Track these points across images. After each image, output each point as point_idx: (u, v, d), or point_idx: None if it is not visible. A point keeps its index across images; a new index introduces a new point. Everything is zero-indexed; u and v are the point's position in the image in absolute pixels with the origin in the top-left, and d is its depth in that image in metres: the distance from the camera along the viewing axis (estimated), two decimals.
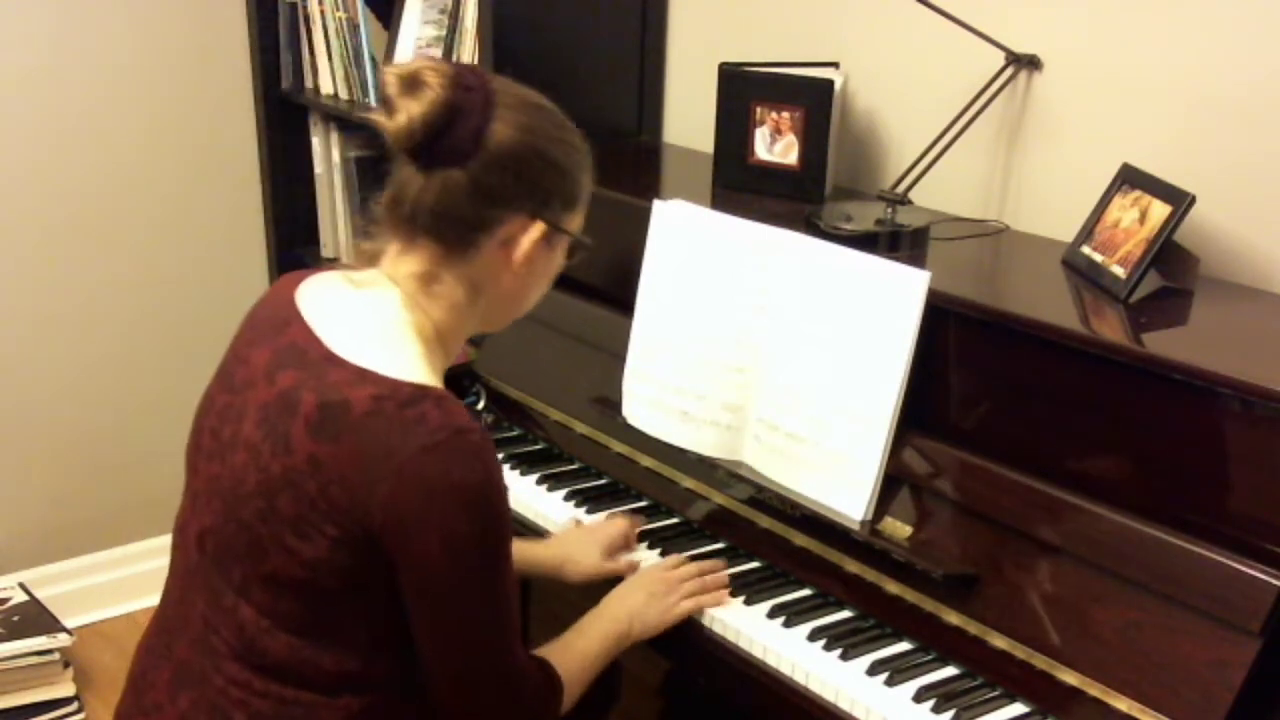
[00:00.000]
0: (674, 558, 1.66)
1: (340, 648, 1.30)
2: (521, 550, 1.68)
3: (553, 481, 1.89)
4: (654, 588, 1.58)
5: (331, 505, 1.22)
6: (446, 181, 1.28)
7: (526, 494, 1.86)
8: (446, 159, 1.28)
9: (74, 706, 2.56)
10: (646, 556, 1.71)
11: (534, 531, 1.81)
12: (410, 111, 1.26)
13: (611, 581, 1.63)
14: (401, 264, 1.34)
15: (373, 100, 2.59)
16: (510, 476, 1.91)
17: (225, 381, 1.36)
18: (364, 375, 1.24)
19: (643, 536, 1.74)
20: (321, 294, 1.36)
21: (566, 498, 1.84)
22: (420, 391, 1.24)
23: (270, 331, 1.34)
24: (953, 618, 1.48)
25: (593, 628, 1.53)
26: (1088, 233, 1.68)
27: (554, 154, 1.33)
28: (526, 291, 1.41)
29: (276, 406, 1.26)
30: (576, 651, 1.49)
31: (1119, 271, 1.58)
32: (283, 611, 1.28)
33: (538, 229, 1.33)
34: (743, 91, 2.02)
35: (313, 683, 1.30)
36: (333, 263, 1.45)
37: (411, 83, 1.26)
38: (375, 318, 1.31)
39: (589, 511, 1.81)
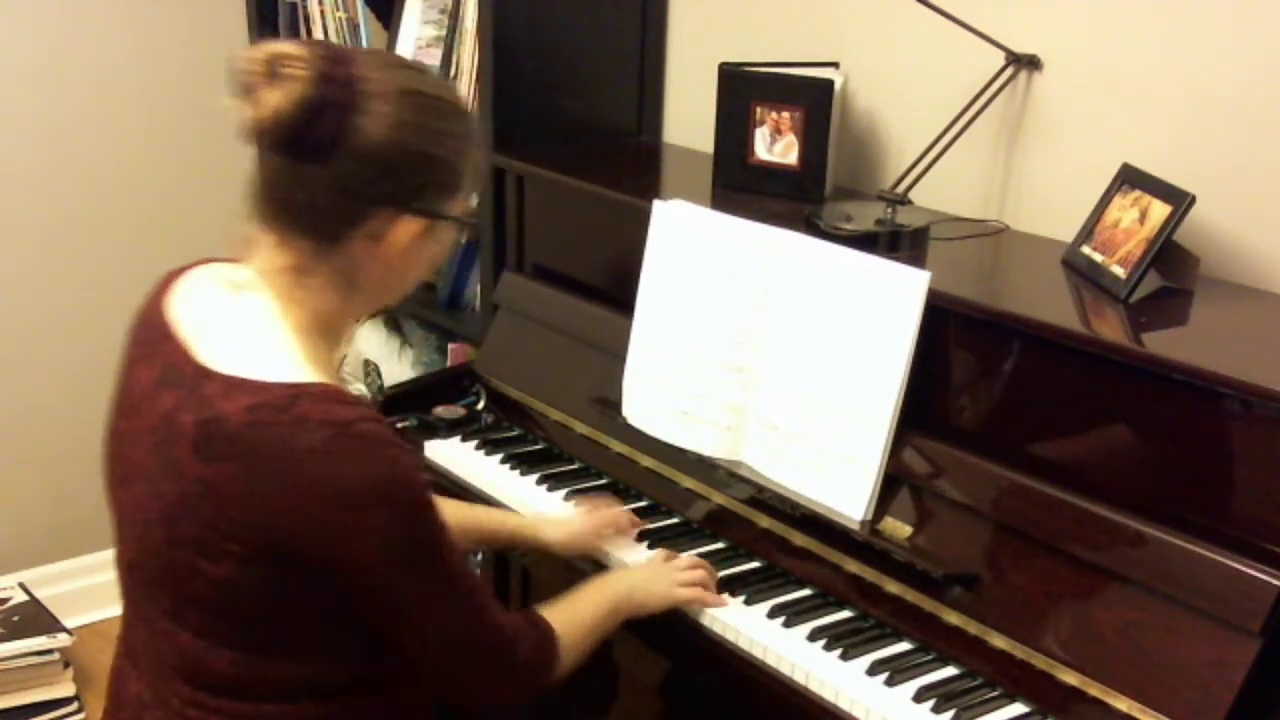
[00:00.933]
0: (664, 552, 1.67)
1: (285, 657, 1.26)
2: (493, 519, 1.71)
3: (553, 481, 1.88)
4: (658, 568, 1.60)
5: (230, 524, 1.18)
6: (308, 176, 1.21)
7: (527, 494, 1.86)
8: (306, 154, 1.20)
9: (74, 706, 2.56)
10: (638, 550, 1.71)
11: None
12: (268, 104, 1.18)
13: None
14: (273, 257, 1.27)
15: None
16: (510, 476, 1.91)
17: (120, 405, 1.33)
18: (236, 385, 1.19)
19: (642, 536, 1.74)
20: (195, 301, 1.31)
21: (566, 498, 1.84)
22: (295, 391, 1.17)
23: (149, 349, 1.30)
24: (953, 618, 1.48)
25: (590, 590, 1.53)
26: (1088, 233, 1.68)
27: (424, 146, 1.24)
28: (408, 276, 1.34)
29: (162, 431, 1.22)
30: (573, 611, 1.48)
31: (1119, 271, 1.58)
32: (218, 630, 1.25)
33: (408, 223, 1.25)
34: (743, 91, 2.01)
35: (266, 695, 1.27)
36: (205, 261, 1.39)
37: (271, 70, 1.19)
38: (248, 321, 1.26)
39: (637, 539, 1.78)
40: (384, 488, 1.17)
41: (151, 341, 1.30)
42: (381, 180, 1.23)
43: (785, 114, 1.99)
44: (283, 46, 1.21)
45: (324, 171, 1.21)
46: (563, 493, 1.85)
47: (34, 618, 2.58)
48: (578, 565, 1.71)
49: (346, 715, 1.31)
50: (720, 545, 1.72)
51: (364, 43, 2.58)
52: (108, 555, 3.15)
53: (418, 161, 1.24)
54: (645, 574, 1.60)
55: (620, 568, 1.67)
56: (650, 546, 1.72)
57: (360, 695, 1.32)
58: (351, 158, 1.21)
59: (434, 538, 1.24)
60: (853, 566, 1.59)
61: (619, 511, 1.75)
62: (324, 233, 1.25)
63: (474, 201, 1.36)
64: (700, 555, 1.68)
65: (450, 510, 1.39)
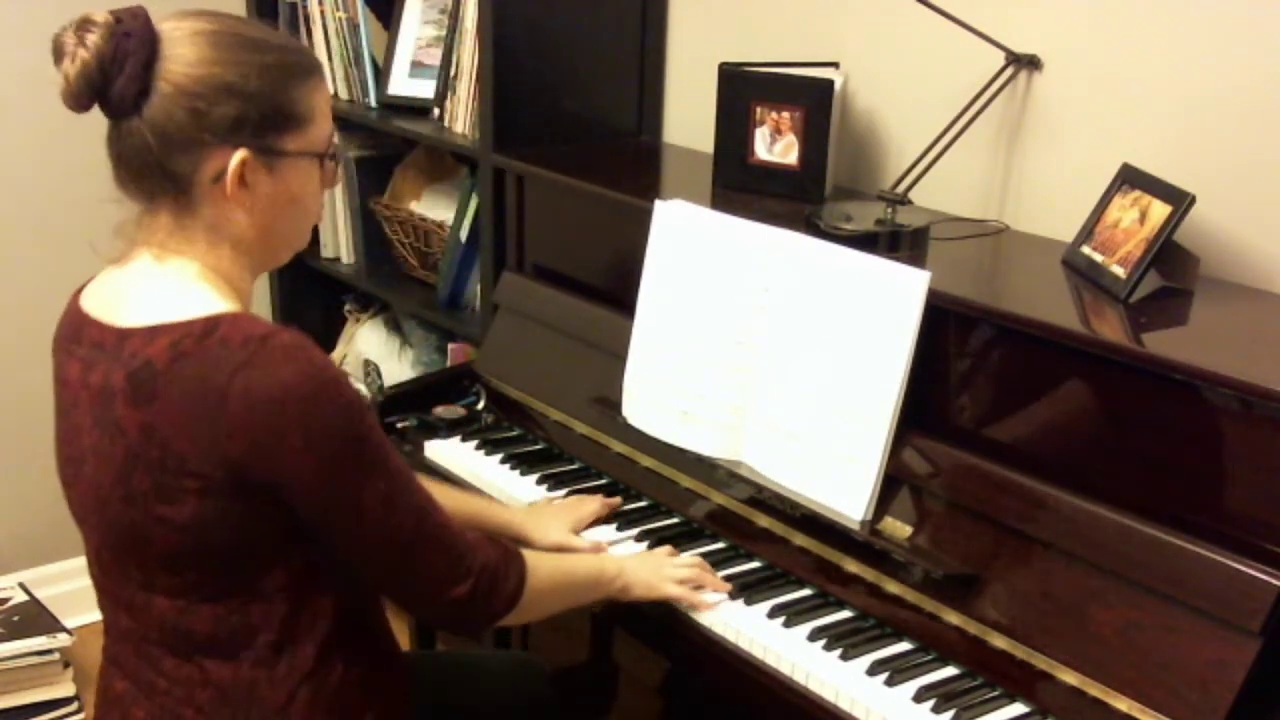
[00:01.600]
0: (668, 548, 1.67)
1: (259, 601, 1.29)
2: (485, 510, 1.71)
3: (553, 481, 1.88)
4: (654, 559, 1.62)
5: (180, 460, 1.21)
6: (132, 131, 1.27)
7: (527, 494, 1.86)
8: (120, 110, 1.26)
9: (74, 706, 2.56)
10: (637, 550, 1.71)
11: None
12: (68, 71, 1.24)
13: None
14: (150, 225, 1.33)
15: (373, 100, 2.59)
16: (510, 476, 1.91)
17: (60, 412, 1.36)
18: (155, 330, 1.25)
19: (642, 536, 1.74)
20: (100, 290, 1.38)
21: (566, 497, 1.84)
22: (212, 321, 1.23)
23: (72, 345, 1.34)
24: (953, 618, 1.48)
25: (581, 556, 1.55)
26: (1088, 233, 1.68)
27: (230, 79, 1.26)
28: (278, 217, 1.35)
29: (99, 403, 1.27)
30: (557, 560, 1.49)
31: (1119, 271, 1.58)
32: (190, 585, 1.28)
33: (236, 159, 1.27)
34: (743, 91, 2.01)
35: (246, 647, 1.29)
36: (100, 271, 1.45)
37: (77, 39, 1.24)
38: (146, 282, 1.31)
39: (617, 528, 1.78)
40: (310, 388, 1.21)
41: (72, 338, 1.35)
42: (194, 118, 1.26)
43: (785, 114, 1.99)
44: (87, 14, 1.25)
45: (142, 122, 1.26)
46: (563, 493, 1.85)
47: (34, 618, 2.58)
48: None
49: (319, 678, 1.32)
50: (720, 545, 1.72)
51: (364, 42, 2.58)
52: None
53: (225, 94, 1.26)
54: (639, 561, 1.61)
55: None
56: (651, 547, 1.72)
57: (332, 652, 1.32)
58: (161, 100, 1.25)
59: (366, 434, 1.25)
60: (853, 566, 1.59)
61: (593, 505, 1.76)
62: (172, 185, 1.29)
63: (335, 137, 1.40)
64: (700, 555, 1.68)
65: (443, 495, 1.40)
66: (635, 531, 1.75)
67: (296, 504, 1.24)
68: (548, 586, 1.44)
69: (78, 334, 1.34)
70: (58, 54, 1.26)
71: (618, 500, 1.80)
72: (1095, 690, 1.35)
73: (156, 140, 1.26)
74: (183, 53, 1.25)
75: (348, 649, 1.34)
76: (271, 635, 1.30)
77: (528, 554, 1.42)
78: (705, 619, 1.57)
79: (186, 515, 1.23)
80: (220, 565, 1.27)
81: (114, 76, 1.24)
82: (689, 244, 1.77)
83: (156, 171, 1.28)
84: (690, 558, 1.65)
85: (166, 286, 1.29)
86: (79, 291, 1.42)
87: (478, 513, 1.70)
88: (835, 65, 2.06)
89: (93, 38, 1.23)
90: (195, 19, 1.29)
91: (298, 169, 1.33)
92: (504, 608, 1.38)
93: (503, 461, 1.94)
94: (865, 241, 1.69)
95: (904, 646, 1.51)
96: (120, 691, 1.38)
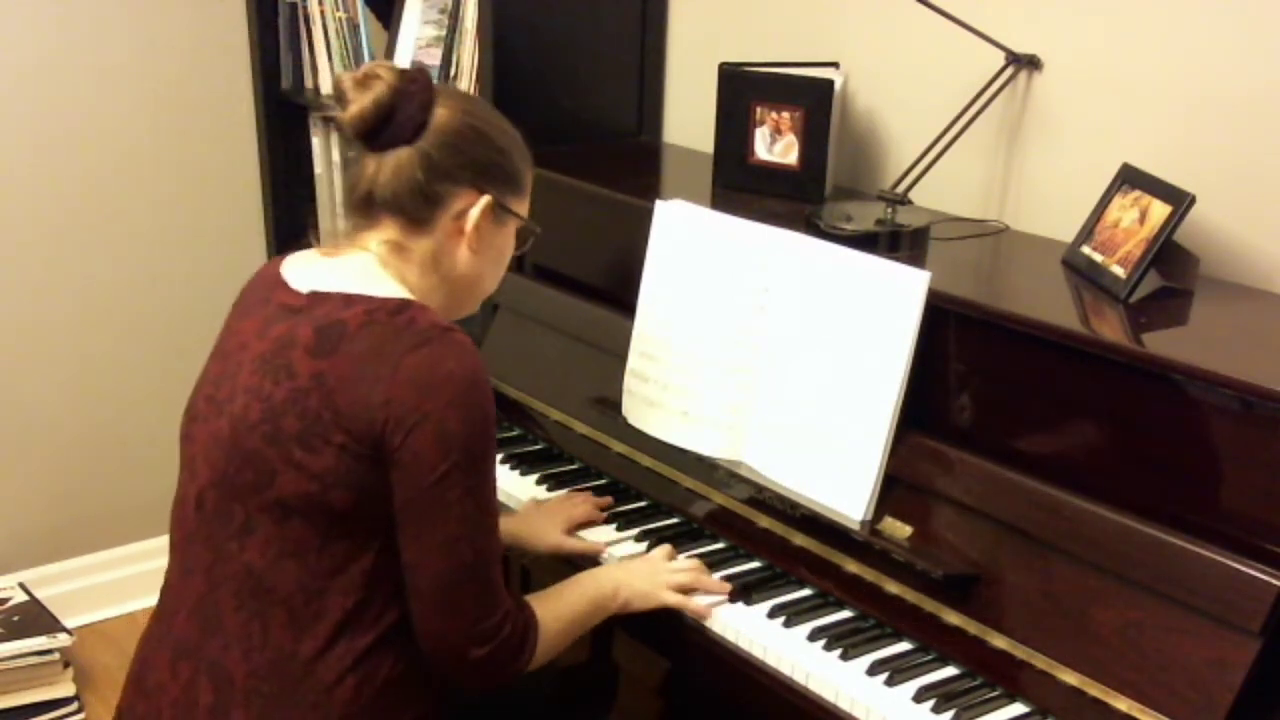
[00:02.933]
0: (666, 548, 1.67)
1: (345, 576, 1.36)
2: None
3: (553, 481, 1.88)
4: (649, 566, 1.62)
5: (336, 413, 1.32)
6: (399, 160, 1.42)
7: (527, 494, 1.86)
8: (396, 139, 1.42)
9: (74, 706, 2.56)
10: (637, 550, 1.71)
11: None
12: (361, 101, 1.41)
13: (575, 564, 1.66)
14: (372, 235, 1.46)
15: None
16: (510, 476, 1.91)
17: (218, 355, 1.47)
18: (351, 299, 1.38)
19: (642, 536, 1.74)
20: (302, 264, 1.48)
21: (557, 499, 1.84)
22: (406, 302, 1.38)
23: (257, 304, 1.46)
24: (953, 618, 1.48)
25: (576, 586, 1.56)
26: (1088, 233, 1.69)
27: (491, 134, 1.47)
28: (483, 268, 1.51)
29: (273, 349, 1.38)
30: (558, 605, 1.51)
31: (1119, 271, 1.58)
32: (290, 537, 1.35)
33: (484, 201, 1.45)
34: (743, 91, 2.01)
35: (314, 623, 1.35)
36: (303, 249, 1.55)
37: (363, 80, 1.42)
38: (354, 269, 1.44)
39: (615, 527, 1.79)
40: (468, 383, 1.34)
41: (260, 297, 1.46)
42: (459, 155, 1.44)
43: (785, 114, 1.99)
44: (370, 65, 1.45)
45: (411, 151, 1.42)
46: (563, 493, 1.85)
47: (34, 618, 2.58)
48: (578, 564, 1.71)
49: (368, 667, 1.37)
50: (720, 545, 1.72)
51: (364, 42, 2.58)
52: (108, 555, 3.16)
53: (487, 145, 1.47)
54: (635, 573, 1.60)
55: (617, 562, 1.67)
56: (650, 547, 1.72)
57: (387, 647, 1.38)
58: (433, 139, 1.43)
59: (485, 454, 1.37)
60: (853, 566, 1.59)
61: (583, 506, 1.77)
62: (414, 212, 1.44)
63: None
64: (700, 555, 1.68)
65: None
66: (635, 531, 1.75)
67: (395, 484, 1.33)
68: (555, 640, 1.48)
69: (267, 295, 1.45)
70: (339, 90, 1.44)
71: (608, 500, 1.80)
72: (1095, 690, 1.35)
73: (422, 168, 1.42)
74: (454, 104, 1.46)
75: (401, 645, 1.39)
76: (340, 615, 1.36)
77: (539, 610, 1.46)
78: (705, 619, 1.57)
79: (320, 466, 1.32)
80: (327, 525, 1.34)
81: (399, 110, 1.41)
82: (689, 244, 1.77)
83: (414, 195, 1.43)
84: (686, 560, 1.65)
85: (369, 275, 1.42)
86: (278, 260, 1.52)
87: None
88: (835, 65, 2.06)
89: (384, 76, 1.41)
90: (459, 92, 1.55)
91: (511, 231, 1.53)
92: (511, 675, 1.44)
93: (503, 461, 1.94)
94: (865, 241, 1.69)
95: (904, 646, 1.51)
96: (165, 659, 1.41)
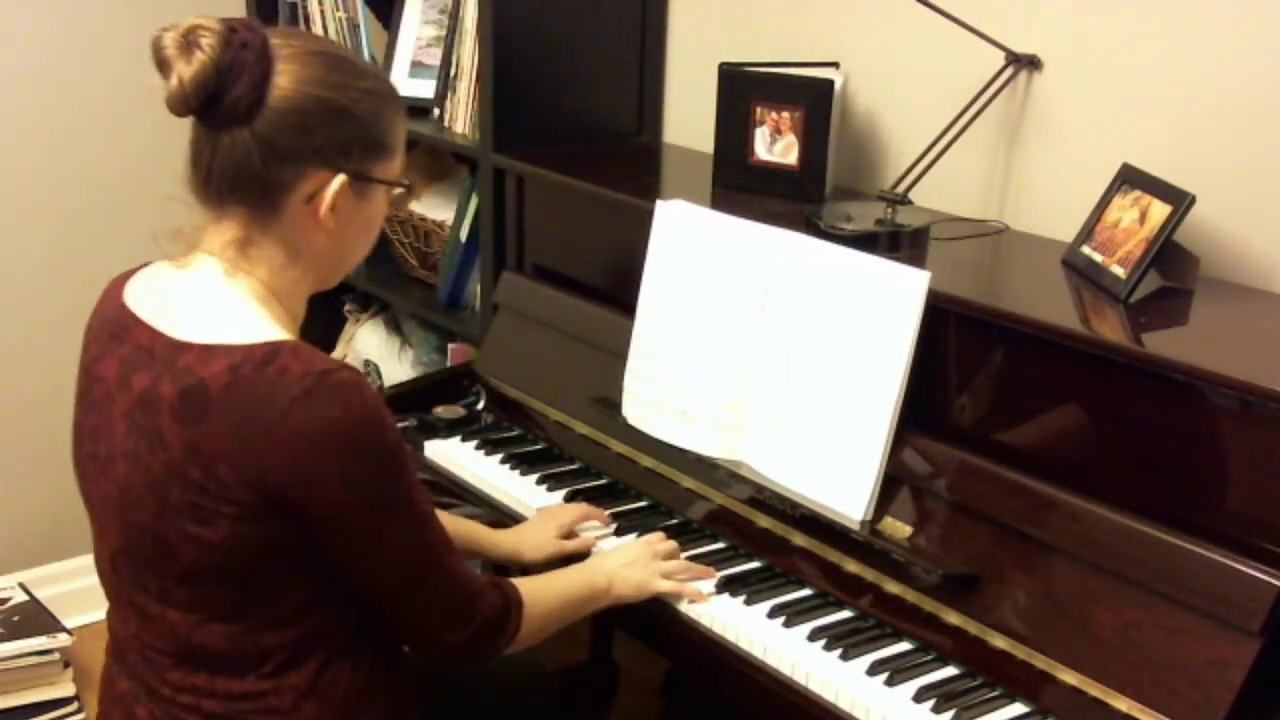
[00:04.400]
0: (659, 535, 1.68)
1: (274, 621, 1.29)
2: (480, 536, 1.72)
3: (553, 481, 1.88)
4: (638, 556, 1.61)
5: (221, 484, 1.21)
6: (234, 142, 1.25)
7: (526, 494, 1.86)
8: (228, 119, 1.25)
9: (74, 706, 2.56)
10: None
11: None
12: (181, 75, 1.23)
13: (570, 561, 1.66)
14: (217, 235, 1.32)
15: None
16: (510, 476, 1.91)
17: (86, 403, 1.35)
18: (212, 350, 1.23)
19: (642, 536, 1.74)
20: (149, 288, 1.35)
21: (567, 498, 1.84)
22: (273, 348, 1.22)
23: (111, 342, 1.32)
24: (953, 618, 1.48)
25: (571, 572, 1.55)
26: (1088, 233, 1.68)
27: (343, 102, 1.28)
28: (348, 243, 1.38)
29: (140, 409, 1.25)
30: (549, 586, 1.50)
31: (1119, 271, 1.58)
32: (207, 602, 1.28)
33: (338, 182, 1.29)
34: (743, 91, 2.01)
35: (258, 666, 1.30)
36: (148, 264, 1.44)
37: (184, 44, 1.24)
38: (206, 293, 1.30)
39: (616, 533, 1.78)
40: (358, 427, 1.22)
41: (113, 335, 1.33)
42: (305, 137, 1.26)
43: (785, 114, 1.99)
44: (195, 20, 1.25)
45: (249, 133, 1.24)
46: (563, 493, 1.85)
47: (34, 618, 2.58)
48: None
49: (325, 687, 1.33)
50: (720, 545, 1.72)
51: (364, 42, 2.58)
52: None
53: (337, 117, 1.28)
54: (626, 563, 1.60)
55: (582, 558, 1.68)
56: None
57: (338, 663, 1.33)
58: (272, 114, 1.24)
59: (401, 480, 1.28)
60: (853, 566, 1.59)
61: (577, 510, 1.76)
62: (260, 200, 1.28)
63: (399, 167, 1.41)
64: (700, 555, 1.68)
65: (446, 524, 1.41)
66: (636, 532, 1.75)
67: (323, 535, 1.26)
68: (542, 619, 1.47)
69: (120, 332, 1.32)
70: (160, 56, 1.25)
71: (603, 514, 1.78)
72: (1095, 690, 1.35)
73: (261, 153, 1.25)
74: (296, 70, 1.25)
75: (355, 657, 1.35)
76: (282, 657, 1.31)
77: (524, 589, 1.44)
78: (705, 619, 1.57)
79: (218, 537, 1.23)
80: (240, 585, 1.27)
81: (229, 85, 1.23)
82: (689, 244, 1.77)
83: (252, 184, 1.27)
84: (661, 536, 1.66)
85: (228, 303, 1.28)
86: (121, 282, 1.39)
87: (470, 536, 1.70)
88: (835, 65, 2.06)
89: (208, 42, 1.23)
90: (303, 39, 1.30)
91: (379, 196, 1.36)
92: (498, 652, 1.42)
93: (503, 461, 1.94)
94: (865, 241, 1.69)
95: (904, 646, 1.51)
96: (124, 690, 1.38)
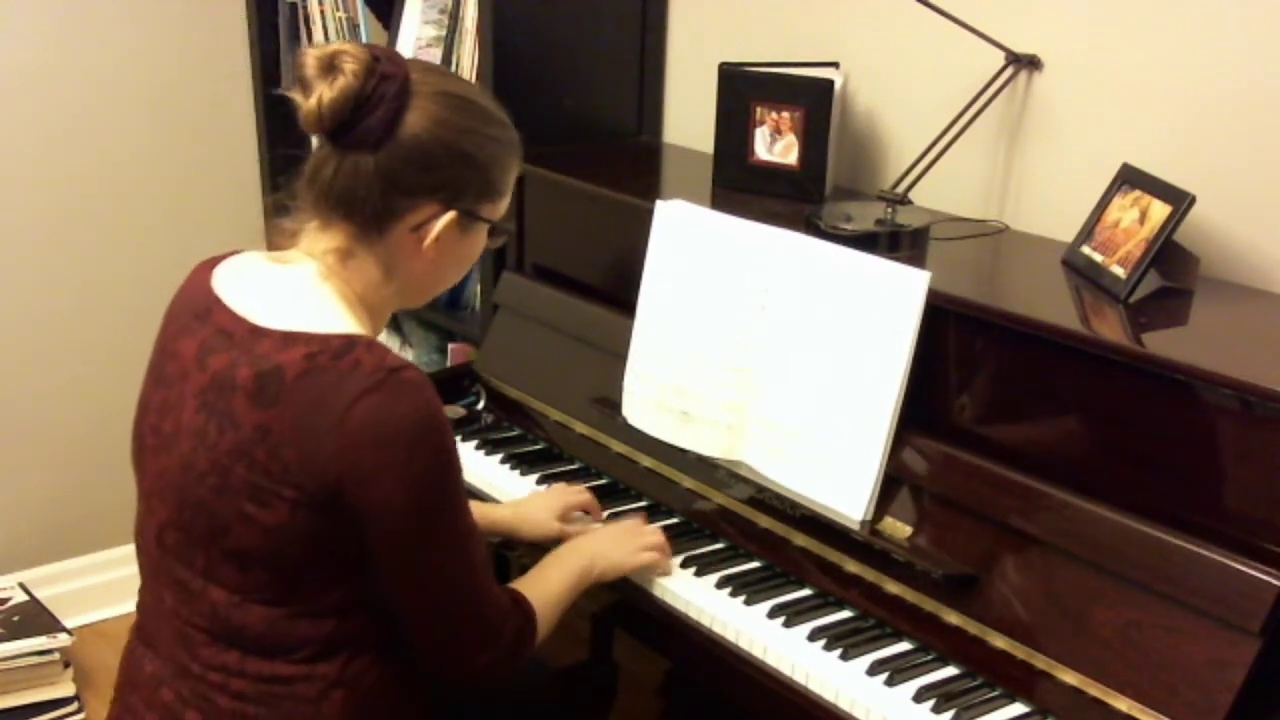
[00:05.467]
0: (635, 520, 1.70)
1: (313, 612, 1.31)
2: (480, 510, 1.72)
3: (553, 481, 1.88)
4: (616, 534, 1.64)
5: (285, 468, 1.24)
6: (357, 166, 1.30)
7: (526, 494, 1.86)
8: (357, 144, 1.30)
9: (74, 706, 2.56)
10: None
11: None
12: (321, 95, 1.27)
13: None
14: (319, 241, 1.36)
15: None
16: (510, 476, 1.91)
17: (157, 378, 1.38)
18: (291, 337, 1.27)
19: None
20: (239, 275, 1.38)
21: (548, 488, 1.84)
22: (349, 340, 1.26)
23: (193, 321, 1.35)
24: (953, 618, 1.48)
25: (556, 563, 1.56)
26: (1088, 233, 1.68)
27: (467, 148, 1.34)
28: (442, 273, 1.43)
29: (213, 389, 1.28)
30: (547, 588, 1.51)
31: (1119, 271, 1.58)
32: (252, 584, 1.30)
33: (447, 218, 1.35)
34: (743, 91, 2.01)
35: (291, 652, 1.32)
36: (238, 251, 1.46)
37: (328, 66, 1.28)
38: (295, 287, 1.34)
39: (588, 511, 1.81)
40: (422, 426, 1.25)
41: (195, 315, 1.36)
42: (425, 174, 1.32)
43: (785, 114, 1.99)
44: (341, 45, 1.30)
45: (372, 161, 1.30)
46: (558, 485, 1.85)
47: (34, 618, 2.58)
48: None
49: (353, 680, 1.34)
50: (720, 545, 1.72)
51: (363, 42, 2.58)
52: (108, 555, 3.16)
53: (459, 160, 1.34)
54: (605, 543, 1.62)
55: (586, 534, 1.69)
56: None
57: (370, 659, 1.35)
58: (399, 149, 1.30)
59: (454, 487, 1.31)
60: (853, 566, 1.59)
61: (574, 495, 1.78)
62: (369, 221, 1.34)
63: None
64: (700, 555, 1.68)
65: None
66: (600, 511, 1.76)
67: (370, 533, 1.28)
68: (548, 621, 1.49)
69: (204, 313, 1.35)
70: (301, 74, 1.29)
71: (598, 506, 1.79)
72: (1095, 690, 1.35)
73: (381, 182, 1.31)
74: (430, 108, 1.31)
75: (387, 653, 1.37)
76: (316, 647, 1.33)
77: (532, 599, 1.46)
78: (706, 619, 1.57)
79: (273, 520, 1.26)
80: (287, 572, 1.29)
81: (365, 113, 1.28)
82: (689, 244, 1.77)
83: (365, 206, 1.32)
84: (652, 528, 1.68)
85: (315, 299, 1.32)
86: (209, 265, 1.41)
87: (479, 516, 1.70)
88: (835, 65, 2.06)
89: (352, 68, 1.27)
90: (442, 77, 1.37)
91: (481, 234, 1.42)
92: (518, 669, 1.44)
93: (503, 461, 1.95)
94: (865, 241, 1.69)
95: (904, 646, 1.51)
96: (150, 673, 1.39)
